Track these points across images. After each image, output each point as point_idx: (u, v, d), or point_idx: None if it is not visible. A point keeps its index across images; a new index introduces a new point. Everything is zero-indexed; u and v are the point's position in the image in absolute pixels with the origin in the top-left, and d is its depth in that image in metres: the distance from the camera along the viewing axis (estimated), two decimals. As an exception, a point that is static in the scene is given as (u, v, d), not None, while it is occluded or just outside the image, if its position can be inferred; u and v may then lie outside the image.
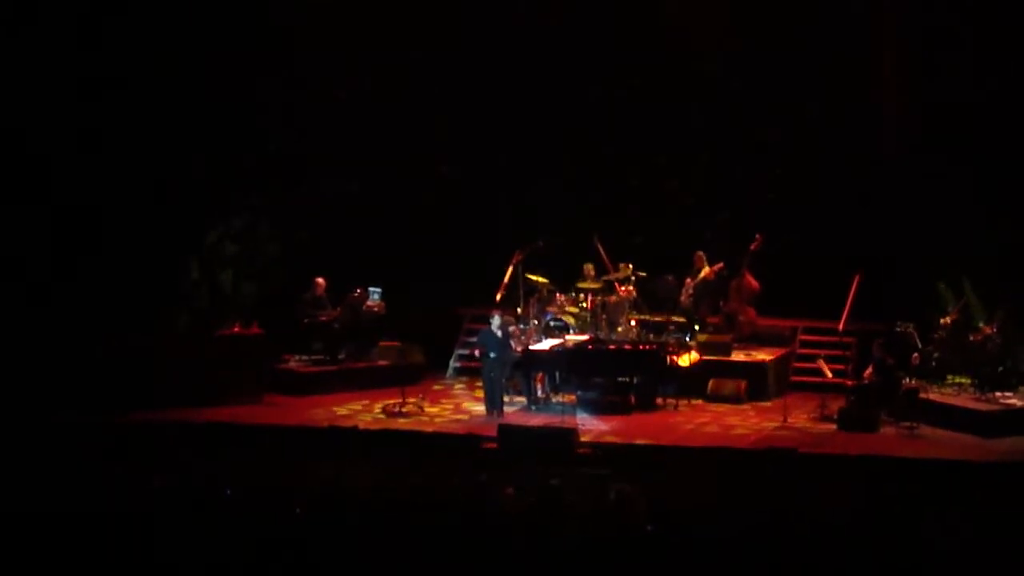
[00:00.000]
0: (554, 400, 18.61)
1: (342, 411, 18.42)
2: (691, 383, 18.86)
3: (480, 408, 18.31)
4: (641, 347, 18.91)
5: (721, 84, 20.90)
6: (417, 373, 19.96)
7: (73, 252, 19.48)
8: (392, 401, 18.49)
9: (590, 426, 17.30)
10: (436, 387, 20.19)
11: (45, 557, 11.04)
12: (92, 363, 18.20)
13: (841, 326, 18.80)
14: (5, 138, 19.42)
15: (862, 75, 20.48)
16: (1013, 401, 17.35)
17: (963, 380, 18.01)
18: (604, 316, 19.90)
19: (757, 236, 19.89)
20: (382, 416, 18.13)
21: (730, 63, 20.77)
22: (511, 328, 18.52)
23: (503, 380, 18.23)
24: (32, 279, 19.06)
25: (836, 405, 17.73)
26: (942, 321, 18.18)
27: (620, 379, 18.61)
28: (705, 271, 20.15)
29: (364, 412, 18.39)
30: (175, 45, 20.07)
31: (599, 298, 20.01)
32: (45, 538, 11.28)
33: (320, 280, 20.05)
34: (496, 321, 18.18)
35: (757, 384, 19.03)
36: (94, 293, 19.06)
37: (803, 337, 20.40)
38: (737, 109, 20.83)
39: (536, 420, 17.69)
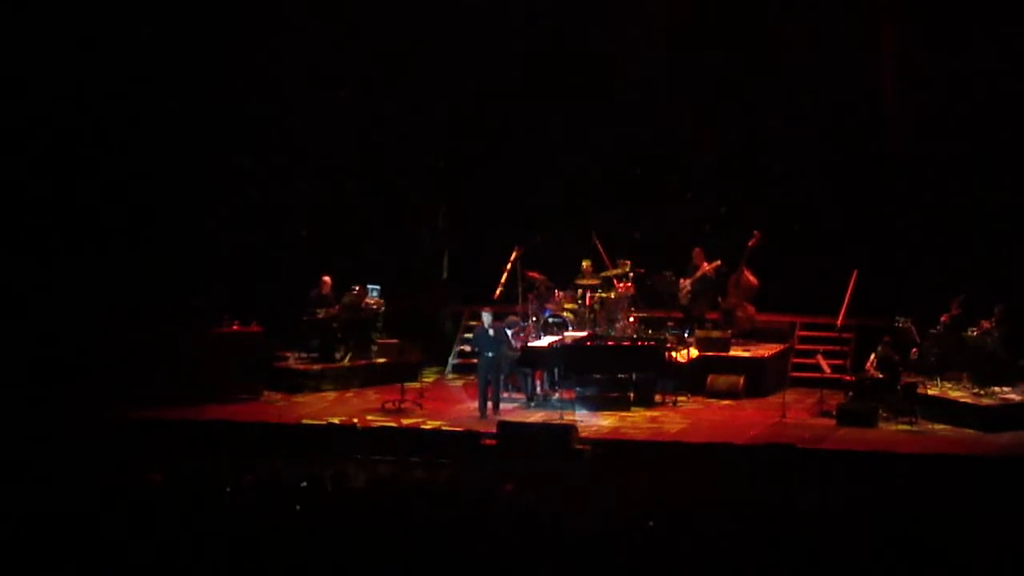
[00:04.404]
0: (553, 397, 18.60)
1: (341, 408, 18.39)
2: (690, 379, 18.88)
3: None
4: (640, 343, 18.92)
5: (721, 81, 20.85)
6: (415, 370, 19.95)
7: (72, 250, 19.51)
8: (391, 398, 18.48)
9: (589, 422, 17.31)
10: (435, 384, 20.16)
11: (44, 556, 11.04)
12: (91, 360, 18.23)
13: (839, 321, 18.82)
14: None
15: (863, 70, 20.41)
16: (1012, 396, 17.35)
17: (961, 375, 17.99)
18: (603, 313, 19.89)
19: (755, 233, 19.89)
20: (381, 413, 18.11)
21: (730, 60, 20.72)
22: (512, 328, 18.46)
23: (500, 378, 18.20)
24: (31, 278, 19.07)
25: (835, 400, 17.77)
26: (942, 318, 18.19)
27: (619, 375, 18.63)
28: (703, 268, 20.14)
29: (363, 409, 18.35)
30: (174, 46, 20.08)
31: (598, 295, 20.00)
32: (44, 537, 11.28)
33: (327, 279, 20.01)
34: (487, 319, 18.14)
35: (756, 380, 19.05)
36: (94, 290, 19.08)
37: (801, 333, 20.42)
38: (736, 104, 20.79)
39: (535, 417, 17.69)
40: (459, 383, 20.29)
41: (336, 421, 17.46)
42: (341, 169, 21.63)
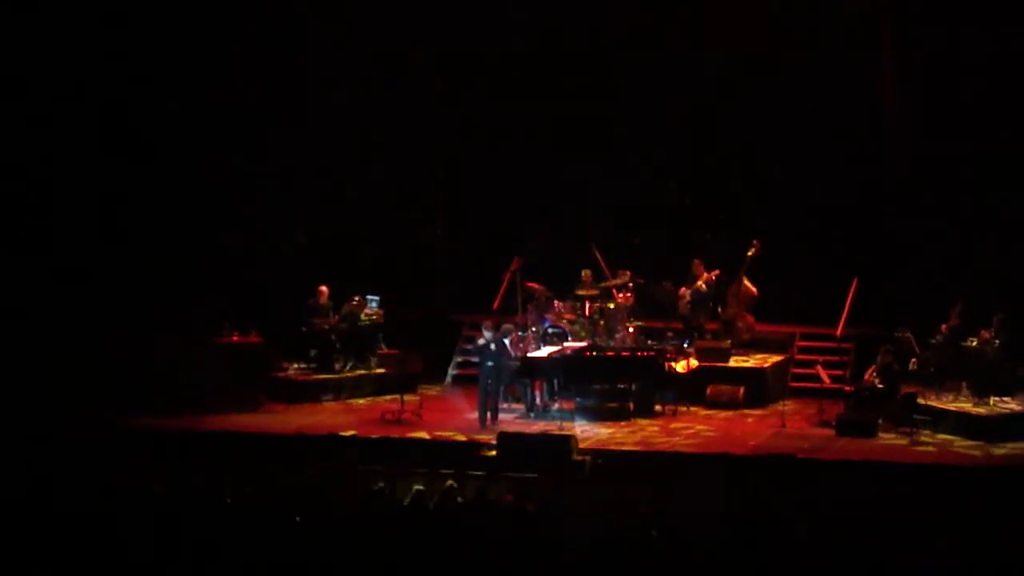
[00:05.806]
0: (553, 407, 18.55)
1: (340, 419, 18.34)
2: (689, 389, 18.84)
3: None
4: (639, 354, 18.85)
5: (721, 84, 20.83)
6: (415, 381, 19.85)
7: (72, 254, 19.50)
8: (391, 409, 18.44)
9: (589, 433, 17.29)
10: (434, 395, 20.09)
11: (44, 558, 11.04)
12: (92, 366, 18.21)
13: (839, 332, 18.80)
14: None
15: (863, 70, 20.38)
16: (1011, 406, 17.34)
17: (961, 384, 17.96)
18: (602, 323, 19.85)
19: (755, 242, 19.86)
20: (381, 424, 18.05)
21: (730, 62, 20.70)
22: (509, 337, 18.40)
23: (500, 388, 18.16)
24: (31, 281, 19.06)
25: (834, 411, 17.73)
26: (941, 328, 18.17)
27: (619, 386, 18.57)
28: (701, 280, 20.03)
29: (362, 420, 18.30)
30: (174, 46, 20.07)
31: (597, 305, 19.97)
32: (44, 539, 11.29)
33: (324, 288, 19.93)
34: (488, 333, 18.11)
35: (755, 390, 19.00)
36: (96, 296, 19.07)
37: (801, 343, 20.37)
38: (737, 110, 20.76)
39: (535, 427, 17.66)
40: (459, 393, 20.20)
41: (336, 432, 17.40)
42: (341, 170, 21.57)
